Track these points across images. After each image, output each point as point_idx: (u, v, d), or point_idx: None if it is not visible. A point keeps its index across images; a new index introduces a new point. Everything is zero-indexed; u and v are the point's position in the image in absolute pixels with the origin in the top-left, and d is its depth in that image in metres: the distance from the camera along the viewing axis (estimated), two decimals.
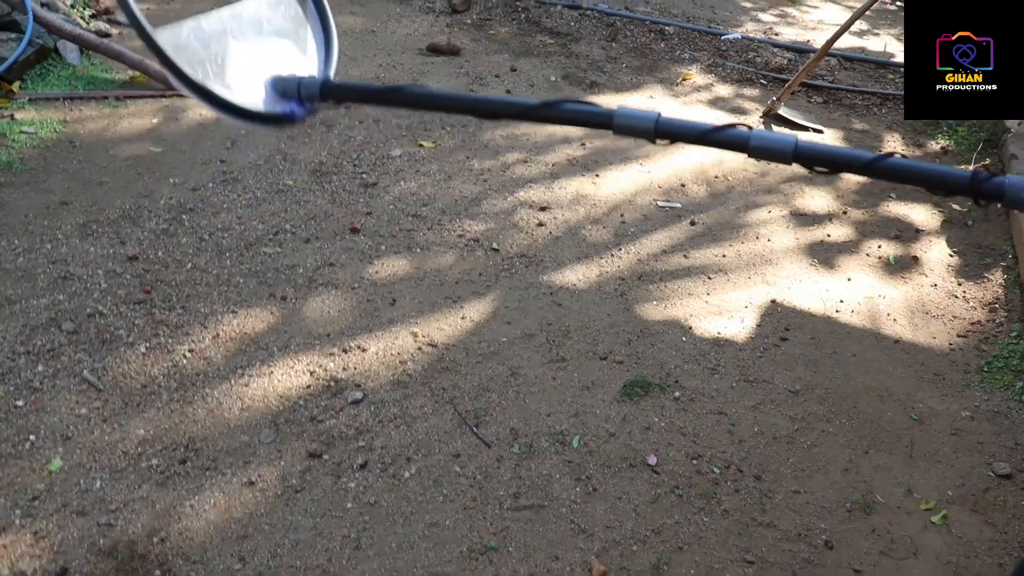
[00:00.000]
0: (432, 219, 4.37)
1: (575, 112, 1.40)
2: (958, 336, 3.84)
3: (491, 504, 2.84)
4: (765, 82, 6.51)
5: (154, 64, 5.42)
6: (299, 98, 1.56)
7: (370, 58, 6.30)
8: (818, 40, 7.35)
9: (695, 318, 3.82)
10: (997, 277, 4.24)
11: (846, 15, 7.95)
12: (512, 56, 6.63)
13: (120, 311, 3.53)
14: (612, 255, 4.22)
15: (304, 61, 1.65)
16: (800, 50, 7.14)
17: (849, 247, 4.48)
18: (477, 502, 2.84)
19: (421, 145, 5.10)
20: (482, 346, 3.54)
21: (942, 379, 3.58)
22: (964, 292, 4.14)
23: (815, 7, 8.72)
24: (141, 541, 2.61)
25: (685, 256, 4.27)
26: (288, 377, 3.29)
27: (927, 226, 4.70)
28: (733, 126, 1.30)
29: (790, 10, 8.51)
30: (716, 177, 5.05)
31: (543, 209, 4.56)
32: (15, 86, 5.16)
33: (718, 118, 5.59)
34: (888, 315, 3.95)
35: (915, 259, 4.40)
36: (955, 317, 3.97)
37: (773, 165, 5.21)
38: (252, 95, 1.54)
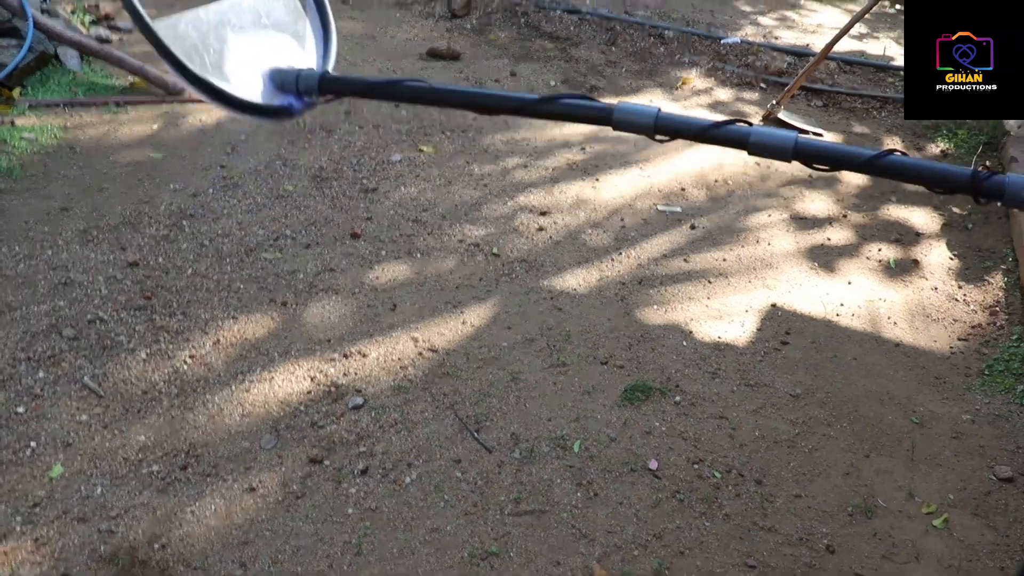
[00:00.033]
0: (432, 224, 4.37)
1: (574, 107, 1.40)
2: (959, 339, 3.84)
3: (492, 509, 2.84)
4: (765, 86, 6.51)
5: (154, 70, 5.43)
6: (297, 91, 1.56)
7: (370, 63, 6.31)
8: (817, 44, 7.35)
9: (696, 322, 3.82)
10: (997, 280, 4.24)
11: (845, 18, 7.96)
12: (512, 61, 6.64)
13: (121, 317, 3.53)
14: (612, 259, 4.22)
15: (302, 55, 1.65)
16: (800, 54, 7.14)
17: (849, 251, 4.48)
18: (478, 507, 2.84)
19: (421, 150, 5.10)
20: (483, 351, 3.54)
21: (943, 382, 3.58)
22: (965, 295, 4.14)
23: (814, 11, 8.73)
24: (142, 547, 2.61)
25: (685, 260, 4.27)
26: (289, 383, 3.29)
27: (927, 229, 4.70)
28: (733, 122, 1.30)
29: (789, 14, 8.51)
30: (716, 181, 5.05)
31: (543, 214, 4.56)
32: (15, 92, 5.16)
33: None
34: (888, 318, 3.95)
35: (915, 262, 4.40)
36: (956, 320, 3.97)
37: (773, 169, 5.21)
38: (250, 87, 1.53)
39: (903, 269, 4.34)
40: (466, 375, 3.41)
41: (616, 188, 4.89)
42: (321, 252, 4.06)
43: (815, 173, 5.16)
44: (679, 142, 5.38)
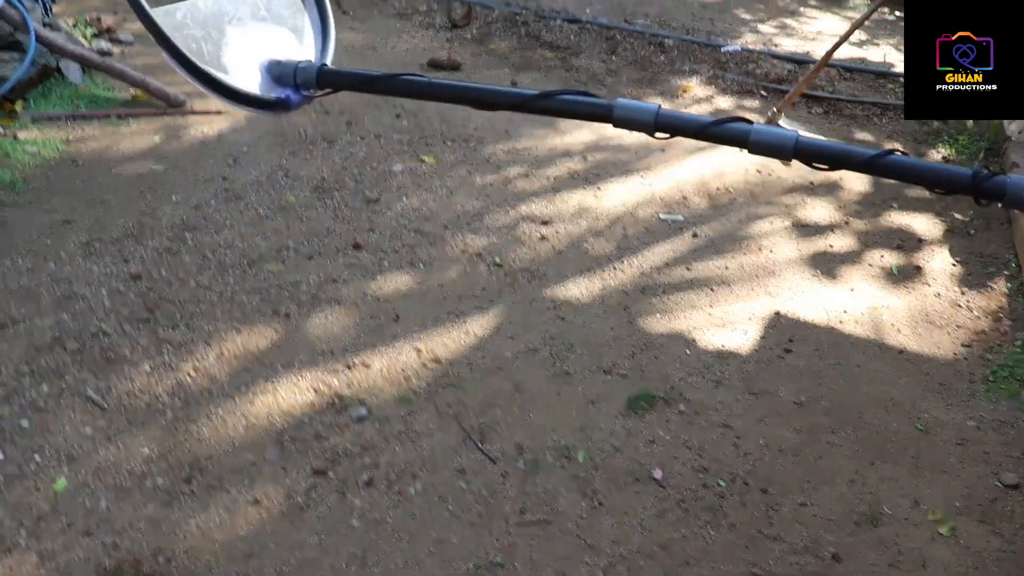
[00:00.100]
0: (435, 234, 4.37)
1: (573, 104, 1.39)
2: (963, 345, 3.84)
3: (497, 520, 2.83)
4: (765, 93, 6.52)
5: (156, 82, 5.45)
6: (295, 84, 1.56)
7: None
8: (818, 51, 7.36)
9: (698, 330, 3.82)
10: (1001, 286, 4.23)
11: (845, 26, 7.96)
12: (512, 70, 6.65)
13: (124, 330, 3.53)
14: (615, 268, 4.22)
15: (300, 48, 1.66)
16: (800, 61, 7.15)
17: (852, 257, 4.47)
18: (483, 518, 2.84)
19: (423, 160, 5.11)
20: (486, 361, 3.54)
21: (947, 389, 3.57)
22: (968, 301, 4.14)
23: (814, 18, 8.74)
24: (147, 560, 2.61)
25: (688, 268, 4.27)
26: (292, 394, 3.29)
27: (929, 235, 4.70)
28: (733, 120, 1.30)
29: (789, 21, 8.52)
30: (717, 189, 5.06)
31: (545, 223, 4.56)
32: (18, 106, 5.18)
33: None
34: (892, 325, 3.95)
35: (918, 269, 4.40)
36: (959, 326, 3.96)
37: (774, 176, 5.21)
38: (247, 79, 1.54)
39: (906, 275, 4.34)
40: (470, 385, 3.41)
41: (618, 197, 4.90)
42: (324, 263, 4.06)
43: (816, 180, 5.16)
44: (680, 150, 5.41)
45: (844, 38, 5.40)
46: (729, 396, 3.45)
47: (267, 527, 2.75)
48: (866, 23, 6.04)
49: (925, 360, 3.74)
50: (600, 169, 5.20)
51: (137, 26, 6.46)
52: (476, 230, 4.45)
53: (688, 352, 3.68)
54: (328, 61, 1.65)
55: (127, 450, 2.98)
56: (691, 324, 3.86)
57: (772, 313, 3.97)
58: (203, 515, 2.77)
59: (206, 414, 3.17)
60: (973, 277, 4.33)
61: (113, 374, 3.31)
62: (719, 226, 4.68)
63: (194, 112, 5.43)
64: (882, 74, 7.00)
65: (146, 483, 2.87)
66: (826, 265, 4.38)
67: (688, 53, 7.24)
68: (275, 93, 1.55)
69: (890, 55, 7.45)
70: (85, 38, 6.19)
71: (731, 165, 5.27)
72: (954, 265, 4.43)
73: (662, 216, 4.73)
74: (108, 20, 6.68)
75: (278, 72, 1.56)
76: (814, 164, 1.27)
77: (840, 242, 4.60)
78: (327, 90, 1.57)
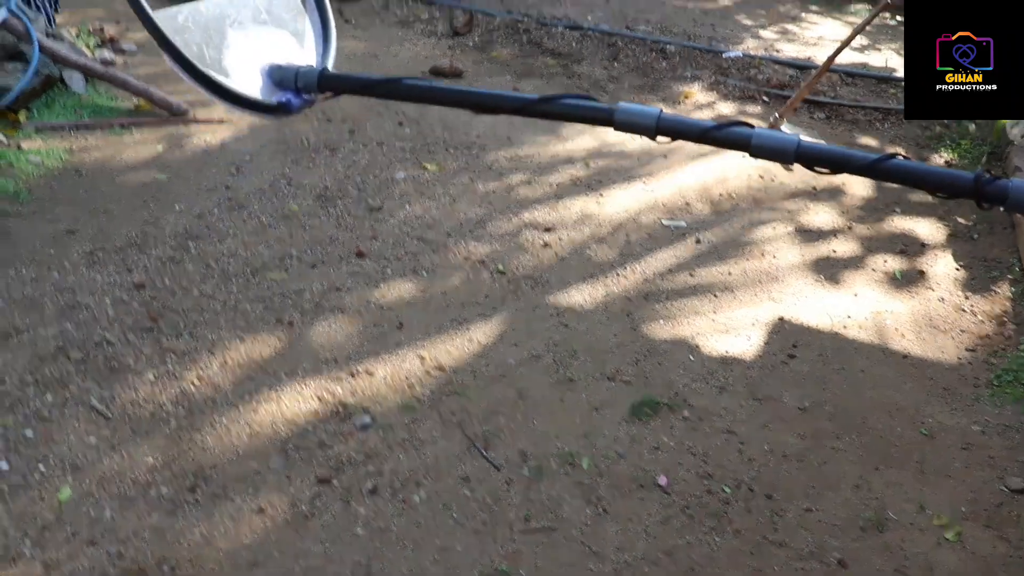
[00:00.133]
0: (438, 242, 4.38)
1: (575, 108, 1.39)
2: (967, 350, 3.83)
3: (502, 527, 2.83)
4: (767, 99, 6.52)
5: (159, 92, 5.46)
6: (296, 88, 1.57)
7: None
8: (819, 56, 7.36)
9: (702, 336, 3.82)
10: (1004, 290, 4.23)
11: (847, 31, 7.98)
12: (514, 77, 6.66)
13: (128, 339, 3.54)
14: (618, 275, 4.22)
15: (301, 52, 1.66)
16: (801, 67, 7.16)
17: (855, 262, 4.47)
18: (488, 526, 2.83)
19: (425, 168, 5.11)
20: (490, 369, 3.54)
21: (951, 393, 3.56)
22: (972, 306, 4.13)
23: (815, 23, 8.75)
24: (151, 570, 2.61)
25: (691, 275, 4.27)
26: (296, 403, 3.29)
27: (932, 240, 4.69)
28: (735, 123, 1.30)
29: (790, 27, 8.53)
30: (720, 195, 5.06)
31: (548, 230, 4.57)
32: (22, 116, 5.19)
33: None
34: (896, 330, 3.94)
35: (921, 273, 4.39)
36: (963, 331, 3.96)
37: (777, 182, 5.21)
38: (249, 83, 1.54)
39: (909, 280, 4.34)
40: (473, 393, 3.41)
41: (620, 203, 4.90)
42: (327, 271, 4.07)
43: (819, 185, 5.16)
44: (682, 156, 5.41)
45: (845, 43, 5.40)
46: (733, 402, 3.44)
47: (271, 536, 2.75)
48: (867, 28, 6.05)
49: (929, 365, 3.73)
50: (602, 175, 5.20)
51: (140, 36, 6.49)
52: (479, 237, 4.45)
53: (692, 358, 3.68)
54: (329, 65, 1.65)
55: (131, 459, 2.99)
56: (694, 330, 3.86)
57: (776, 319, 3.96)
58: (207, 524, 2.77)
59: (210, 423, 3.17)
60: (977, 281, 4.33)
61: (117, 383, 3.31)
62: (722, 232, 4.67)
63: (197, 121, 5.44)
64: (884, 79, 7.00)
65: (150, 492, 2.87)
66: (829, 270, 4.38)
67: (690, 59, 7.25)
68: (276, 97, 1.56)
69: (891, 60, 7.45)
70: (88, 48, 6.21)
71: (733, 171, 5.27)
72: (957, 269, 4.43)
73: (665, 222, 4.74)
74: (111, 30, 6.70)
75: (279, 76, 1.56)
76: (816, 168, 1.27)
77: (843, 247, 4.60)
78: (328, 94, 1.57)
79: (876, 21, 8.31)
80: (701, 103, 6.44)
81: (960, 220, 4.87)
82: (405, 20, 7.86)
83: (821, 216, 4.90)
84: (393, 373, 3.48)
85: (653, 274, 4.25)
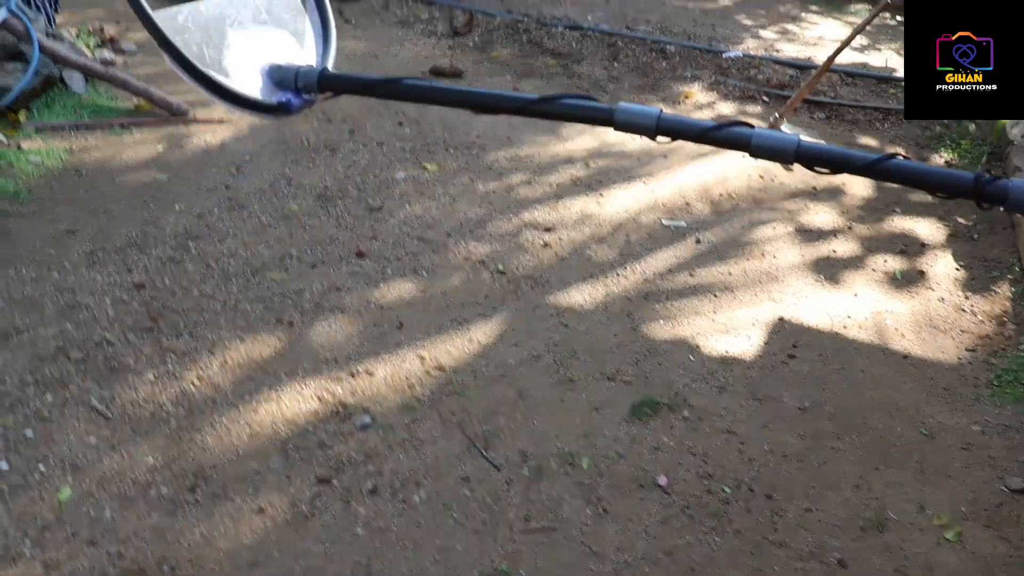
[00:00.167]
0: (438, 242, 4.38)
1: (575, 108, 1.39)
2: (967, 350, 3.83)
3: (502, 527, 2.83)
4: (767, 99, 6.52)
5: (159, 92, 5.46)
6: (296, 88, 1.56)
7: None
8: (819, 56, 7.36)
9: (702, 336, 3.82)
10: (1004, 290, 4.23)
11: (846, 31, 7.97)
12: (514, 77, 6.66)
13: (128, 339, 3.54)
14: (618, 275, 4.22)
15: (301, 52, 1.66)
16: (801, 66, 7.16)
17: (855, 262, 4.47)
18: (488, 526, 2.83)
19: (425, 168, 5.11)
20: (490, 368, 3.54)
21: (951, 393, 3.56)
22: (972, 306, 4.13)
23: (815, 23, 8.75)
24: (151, 570, 2.61)
25: (691, 275, 4.27)
26: (296, 403, 3.29)
27: (932, 240, 4.69)
28: (735, 123, 1.30)
29: (791, 27, 8.53)
30: (720, 195, 5.06)
31: (548, 230, 4.57)
32: (21, 116, 5.19)
33: None
34: (896, 330, 3.94)
35: (921, 273, 4.39)
36: (963, 331, 3.96)
37: (777, 182, 5.21)
38: (249, 83, 1.54)
39: (909, 280, 4.34)
40: (473, 393, 3.41)
41: (620, 203, 4.90)
42: (327, 271, 4.07)
43: (819, 185, 5.16)
44: (682, 156, 5.41)
45: (845, 43, 5.40)
46: (733, 402, 3.44)
47: (271, 536, 2.75)
48: (867, 28, 6.04)
49: (929, 365, 3.73)
50: (602, 175, 5.20)
51: (140, 36, 6.49)
52: (479, 237, 4.45)
53: (692, 358, 3.68)
54: (329, 65, 1.65)
55: (131, 459, 2.99)
56: (694, 330, 3.86)
57: (776, 319, 3.96)
58: (207, 524, 2.77)
59: (210, 423, 3.17)
60: (977, 281, 4.33)
61: (117, 383, 3.31)
62: (722, 232, 4.67)
63: (197, 121, 5.44)
64: (884, 79, 7.00)
65: (150, 492, 2.87)
66: (829, 270, 4.38)
67: (690, 59, 7.25)
68: (276, 97, 1.55)
69: (891, 60, 7.45)
70: (88, 48, 6.21)
71: (733, 171, 5.27)
72: (957, 269, 4.43)
73: (665, 222, 4.74)
74: (111, 30, 6.70)
75: (279, 76, 1.56)
76: (816, 168, 1.27)
77: (843, 247, 4.60)
78: (328, 94, 1.57)
79: (876, 21, 8.31)
80: (701, 103, 6.44)
81: (960, 220, 4.87)
82: (405, 20, 7.86)
83: (821, 216, 4.90)
84: (393, 373, 3.48)
85: (653, 274, 4.25)
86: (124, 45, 6.53)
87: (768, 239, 4.63)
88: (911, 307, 4.12)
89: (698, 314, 3.97)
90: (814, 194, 5.12)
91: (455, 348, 3.64)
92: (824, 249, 4.57)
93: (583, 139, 5.59)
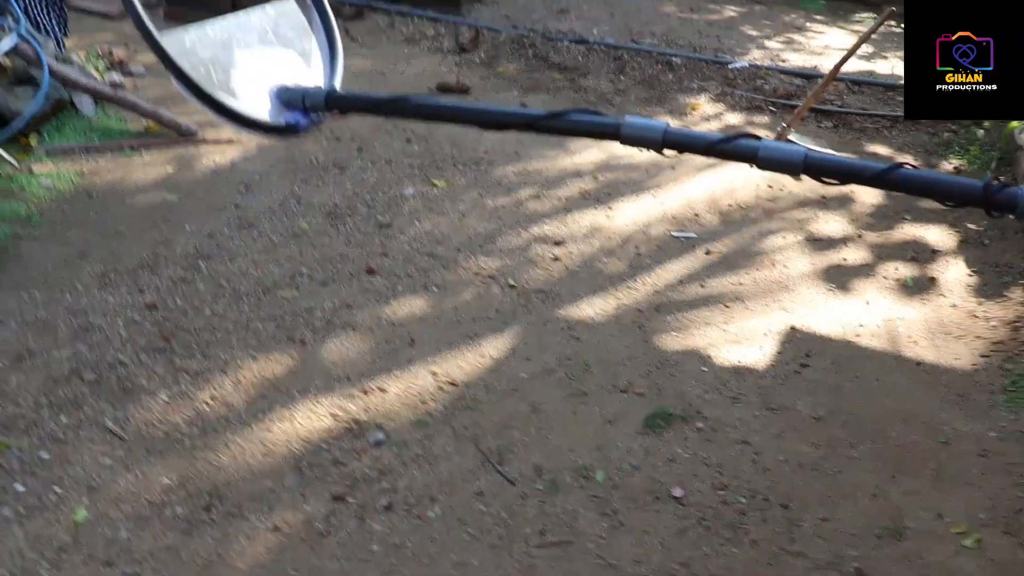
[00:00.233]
0: (448, 257, 4.38)
1: (583, 123, 1.40)
2: (981, 356, 3.81)
3: (517, 542, 2.82)
4: (774, 109, 6.53)
5: (167, 113, 5.50)
6: (304, 108, 1.57)
7: None
8: (825, 65, 7.37)
9: (714, 347, 3.81)
10: (1017, 295, 4.21)
11: (852, 39, 7.98)
12: (521, 92, 6.68)
13: (141, 360, 3.55)
14: (628, 287, 4.22)
15: (308, 72, 1.66)
16: (808, 76, 7.16)
17: (866, 270, 4.46)
18: (503, 540, 2.82)
19: (434, 184, 5.13)
20: (502, 383, 3.54)
21: (966, 400, 3.55)
22: (984, 311, 4.12)
23: (820, 32, 8.76)
24: None
25: (702, 285, 4.26)
26: (310, 420, 3.29)
27: (943, 246, 4.68)
28: (742, 136, 1.30)
29: (796, 36, 8.55)
30: (729, 205, 5.06)
31: (558, 243, 4.57)
32: (32, 139, 5.23)
33: None
34: (908, 337, 3.92)
35: (933, 280, 4.38)
36: (977, 337, 3.94)
37: (786, 191, 5.21)
38: (256, 104, 1.54)
39: (921, 287, 4.32)
40: (486, 407, 3.40)
41: (629, 216, 4.90)
42: (338, 289, 4.07)
43: (829, 194, 5.15)
44: (690, 168, 5.42)
45: (851, 52, 5.41)
46: (747, 412, 3.43)
47: (287, 554, 2.75)
48: (873, 36, 6.05)
49: (943, 372, 3.71)
50: (611, 188, 5.21)
51: (148, 58, 6.53)
52: (489, 252, 4.46)
53: (704, 369, 3.67)
54: (337, 84, 1.66)
55: (146, 479, 2.99)
56: (706, 341, 3.85)
57: (787, 328, 3.95)
58: (223, 543, 2.77)
59: (224, 442, 3.18)
60: (989, 287, 4.31)
61: (131, 404, 3.32)
62: (731, 242, 4.67)
63: (206, 141, 5.47)
64: (890, 86, 7.00)
65: (165, 512, 2.87)
66: (840, 279, 4.37)
67: (696, 71, 7.26)
68: (284, 118, 1.56)
69: (898, 67, 7.45)
70: (97, 71, 6.25)
71: (742, 181, 5.27)
72: (969, 276, 4.41)
73: (674, 234, 4.74)
74: (119, 53, 6.74)
75: (287, 97, 1.56)
76: (824, 179, 1.27)
77: (854, 255, 4.59)
78: (336, 113, 1.58)
79: (882, 29, 8.31)
80: (708, 114, 6.45)
81: (971, 226, 4.86)
82: (411, 37, 7.90)
83: (831, 224, 4.89)
84: (406, 389, 3.48)
85: (664, 286, 4.25)
86: (133, 68, 6.58)
87: (778, 248, 4.62)
88: (923, 314, 4.11)
89: (709, 325, 3.97)
90: (823, 203, 5.11)
91: (467, 363, 3.64)
92: (834, 257, 4.56)
93: (591, 152, 5.60)
